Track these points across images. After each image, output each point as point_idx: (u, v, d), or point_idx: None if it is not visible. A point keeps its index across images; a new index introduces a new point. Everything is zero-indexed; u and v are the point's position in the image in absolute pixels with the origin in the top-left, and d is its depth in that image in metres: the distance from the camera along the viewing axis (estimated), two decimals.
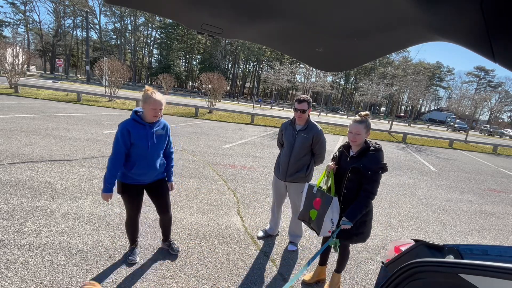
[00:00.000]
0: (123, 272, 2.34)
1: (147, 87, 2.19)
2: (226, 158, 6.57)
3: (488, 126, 44.36)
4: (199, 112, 15.19)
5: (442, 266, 0.95)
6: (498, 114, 62.82)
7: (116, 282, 2.21)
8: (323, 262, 2.58)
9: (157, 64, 62.90)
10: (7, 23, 48.35)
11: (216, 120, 13.92)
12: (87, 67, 35.89)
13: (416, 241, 1.59)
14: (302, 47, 0.95)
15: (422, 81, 30.13)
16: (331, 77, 55.03)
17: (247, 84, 73.81)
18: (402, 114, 65.56)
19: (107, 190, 2.16)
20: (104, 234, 2.84)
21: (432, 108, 78.63)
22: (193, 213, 3.56)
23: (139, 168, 2.22)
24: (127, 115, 13.63)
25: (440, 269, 0.95)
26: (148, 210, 3.44)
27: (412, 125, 41.61)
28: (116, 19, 56.29)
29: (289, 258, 2.91)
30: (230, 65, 64.88)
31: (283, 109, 37.26)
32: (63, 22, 52.58)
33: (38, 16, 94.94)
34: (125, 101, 16.25)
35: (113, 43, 59.24)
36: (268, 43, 0.97)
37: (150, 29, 61.02)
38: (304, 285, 2.56)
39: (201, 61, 62.11)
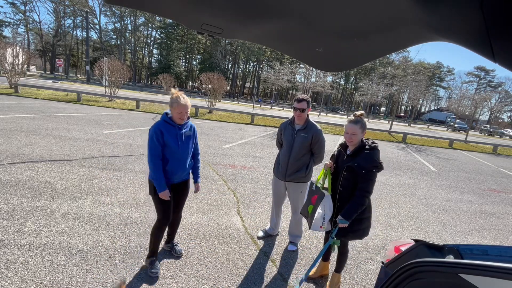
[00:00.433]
0: (123, 272, 2.34)
1: (173, 90, 2.23)
2: (226, 158, 6.57)
3: (488, 126, 44.36)
4: (199, 112, 15.20)
5: (442, 266, 0.95)
6: (498, 114, 62.81)
7: (115, 282, 2.21)
8: (326, 258, 2.63)
9: (157, 64, 62.90)
10: (7, 23, 48.37)
11: (216, 120, 13.93)
12: (87, 67, 35.89)
13: (416, 241, 1.59)
14: (302, 47, 0.95)
15: (422, 81, 30.16)
16: (331, 77, 55.05)
17: (247, 84, 73.83)
18: (402, 114, 65.59)
19: (161, 188, 2.19)
20: (104, 234, 2.84)
21: (432, 108, 78.66)
22: (193, 213, 3.56)
23: (170, 168, 2.27)
24: (127, 115, 13.53)
25: (440, 269, 0.95)
26: (148, 210, 3.44)
27: (412, 125, 41.60)
28: (116, 19, 56.31)
29: (289, 258, 2.91)
30: (230, 65, 64.89)
31: (283, 109, 37.25)
32: (63, 22, 52.60)
33: (38, 16, 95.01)
34: (125, 101, 16.26)
35: (113, 43, 59.26)
36: (268, 43, 0.97)
37: (150, 29, 61.06)
38: (307, 280, 2.58)
39: (201, 61, 62.12)
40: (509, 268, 0.77)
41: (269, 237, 3.25)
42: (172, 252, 2.66)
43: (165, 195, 2.21)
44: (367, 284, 2.65)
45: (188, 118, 2.32)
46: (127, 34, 58.15)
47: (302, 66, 50.72)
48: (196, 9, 0.72)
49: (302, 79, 48.72)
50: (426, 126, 43.71)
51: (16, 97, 12.49)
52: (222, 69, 53.99)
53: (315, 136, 2.75)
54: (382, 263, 1.63)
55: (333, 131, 15.66)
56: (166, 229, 2.60)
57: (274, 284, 2.48)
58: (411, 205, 5.03)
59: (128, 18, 56.54)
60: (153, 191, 2.26)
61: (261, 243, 3.11)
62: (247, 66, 68.56)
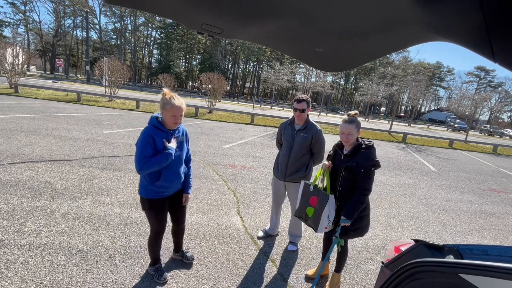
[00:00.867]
0: (123, 272, 2.34)
1: (165, 90, 1.98)
2: (226, 158, 6.57)
3: (488, 126, 44.34)
4: (199, 112, 15.19)
5: (442, 266, 0.95)
6: (498, 114, 62.82)
7: (116, 282, 2.21)
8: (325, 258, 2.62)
9: (157, 64, 62.88)
10: (7, 23, 48.38)
11: (216, 120, 13.92)
12: (87, 67, 35.89)
13: (416, 241, 1.59)
14: (302, 47, 0.95)
15: (422, 81, 30.17)
16: (331, 77, 55.04)
17: (247, 84, 73.83)
18: (402, 114, 65.56)
19: (170, 151, 1.97)
20: (104, 234, 2.84)
21: (432, 108, 78.66)
22: (193, 213, 3.56)
23: (165, 180, 2.05)
24: (127, 115, 13.45)
25: (440, 269, 0.95)
26: None
27: (412, 125, 41.60)
28: (116, 19, 56.31)
29: (289, 258, 2.91)
30: (230, 65, 64.89)
31: (283, 109, 37.25)
32: (63, 22, 52.60)
33: (38, 16, 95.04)
34: (125, 101, 16.25)
35: (113, 43, 59.25)
36: (268, 43, 0.97)
37: (150, 29, 61.04)
38: (307, 280, 2.58)
39: (201, 61, 62.12)
40: (509, 268, 0.77)
41: (269, 237, 3.25)
42: (184, 260, 2.55)
43: (173, 144, 2.01)
44: (367, 284, 2.65)
45: (181, 122, 2.08)
46: (127, 34, 58.14)
47: (302, 66, 50.72)
48: (196, 9, 0.72)
49: (302, 79, 48.72)
50: (426, 126, 43.70)
51: (16, 97, 12.49)
52: (222, 69, 53.99)
53: (315, 136, 2.75)
54: (382, 263, 1.63)
55: (333, 131, 15.66)
56: (172, 239, 2.54)
57: (274, 284, 2.48)
58: (411, 205, 5.03)
59: (128, 18, 56.55)
60: (147, 206, 2.11)
61: (261, 243, 3.11)
62: (247, 66, 68.56)
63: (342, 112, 52.65)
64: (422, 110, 78.40)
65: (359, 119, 2.23)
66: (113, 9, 52.82)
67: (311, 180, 2.52)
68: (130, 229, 2.99)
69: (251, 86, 72.69)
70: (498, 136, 39.12)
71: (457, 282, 0.88)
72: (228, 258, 2.74)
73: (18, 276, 2.13)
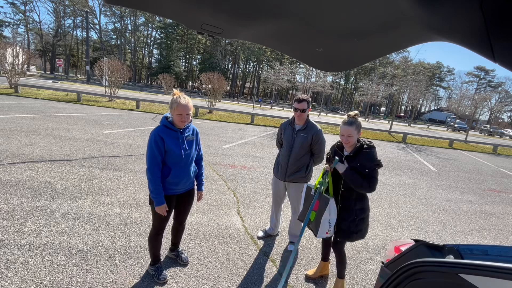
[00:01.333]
0: (123, 272, 2.34)
1: (175, 90, 2.04)
2: (226, 158, 6.57)
3: (488, 126, 44.35)
4: (199, 112, 15.19)
5: (442, 266, 0.95)
6: (498, 114, 62.84)
7: (116, 282, 2.21)
8: (325, 258, 2.62)
9: (157, 64, 62.88)
10: (7, 23, 48.38)
11: (216, 120, 13.92)
12: (87, 67, 35.88)
13: (416, 241, 1.59)
14: (302, 47, 0.95)
15: (422, 81, 30.17)
16: (331, 77, 55.05)
17: (247, 84, 73.83)
18: (402, 114, 65.57)
19: (159, 202, 2.02)
20: (104, 234, 2.84)
21: (432, 108, 78.64)
22: (193, 213, 3.56)
23: (174, 177, 2.09)
24: (127, 115, 13.44)
25: (440, 269, 0.95)
26: (148, 210, 3.44)
27: (412, 125, 41.60)
28: (116, 19, 56.32)
29: (289, 258, 2.91)
30: (230, 65, 64.89)
31: (283, 109, 37.25)
32: (63, 22, 52.60)
33: (38, 16, 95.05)
34: (125, 101, 16.25)
35: (113, 43, 59.25)
36: (268, 43, 0.97)
37: (150, 29, 61.06)
38: (307, 280, 2.57)
39: (201, 61, 62.10)
40: (509, 268, 0.77)
41: (269, 237, 3.25)
42: (178, 260, 2.57)
43: (162, 210, 2.04)
44: (367, 284, 2.65)
45: (190, 121, 2.15)
46: (127, 34, 58.15)
47: (302, 66, 50.75)
48: (196, 9, 0.72)
49: (302, 79, 48.73)
50: (426, 126, 43.71)
51: (16, 97, 12.49)
52: (222, 69, 53.95)
53: (315, 136, 2.75)
54: (382, 263, 1.63)
55: (333, 131, 15.65)
56: (169, 237, 2.56)
57: (274, 284, 2.48)
58: (411, 205, 5.03)
59: (128, 18, 56.55)
60: (153, 202, 2.13)
61: (261, 243, 3.11)
62: (247, 66, 68.57)
63: (342, 112, 52.65)
64: (422, 110, 78.41)
65: (360, 119, 2.21)
66: (113, 9, 52.82)
67: (312, 182, 2.50)
68: (130, 229, 2.99)
69: (251, 86, 72.71)
70: (498, 136, 39.13)
71: (457, 282, 0.88)
72: (228, 258, 2.74)
73: (18, 276, 2.13)
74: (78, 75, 58.61)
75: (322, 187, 2.25)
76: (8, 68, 14.88)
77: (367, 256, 3.14)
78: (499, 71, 68.90)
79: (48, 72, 52.44)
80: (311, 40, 0.85)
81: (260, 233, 3.25)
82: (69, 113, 10.00)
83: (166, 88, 30.11)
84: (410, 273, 1.00)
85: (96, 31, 57.02)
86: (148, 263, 2.41)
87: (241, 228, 3.37)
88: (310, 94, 44.33)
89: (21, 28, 51.37)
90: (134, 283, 2.23)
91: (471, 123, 35.30)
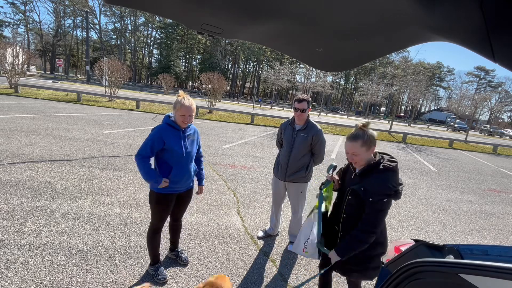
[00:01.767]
0: (123, 272, 2.34)
1: (180, 92, 2.10)
2: (226, 158, 6.57)
3: (488, 126, 44.35)
4: (199, 112, 15.19)
5: (442, 266, 0.95)
6: (498, 114, 62.84)
7: (116, 282, 2.21)
8: None
9: (157, 64, 62.88)
10: (7, 23, 48.36)
11: (216, 120, 13.92)
12: (87, 67, 35.88)
13: (416, 241, 1.59)
14: (302, 47, 0.95)
15: (422, 81, 30.18)
16: (331, 77, 55.07)
17: (247, 84, 73.83)
18: (402, 114, 65.57)
19: (158, 182, 2.04)
20: (104, 234, 2.84)
21: (432, 108, 78.64)
22: (193, 213, 3.56)
23: (175, 176, 2.13)
24: (127, 115, 13.45)
25: (440, 269, 0.95)
26: (148, 210, 3.44)
27: (412, 125, 41.60)
28: (116, 19, 56.31)
29: (289, 258, 2.91)
30: (230, 65, 64.88)
31: (283, 109, 37.25)
32: (63, 22, 52.59)
33: (38, 16, 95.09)
34: (125, 101, 16.25)
35: (113, 43, 59.26)
36: (268, 43, 0.97)
37: (150, 29, 61.05)
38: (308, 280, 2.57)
39: (201, 61, 62.11)
40: (509, 268, 0.77)
41: (269, 237, 3.25)
42: (178, 260, 2.56)
43: (165, 183, 2.07)
44: (367, 284, 2.65)
45: (191, 122, 2.18)
46: (127, 34, 58.14)
47: (302, 66, 50.75)
48: (196, 9, 0.72)
49: (302, 79, 48.74)
50: (426, 126, 43.70)
51: (16, 97, 12.49)
52: (222, 69, 53.95)
53: (315, 137, 2.75)
54: (382, 263, 1.63)
55: (333, 131, 15.66)
56: (169, 237, 2.58)
57: (274, 284, 2.48)
58: (411, 205, 5.03)
59: (128, 18, 56.54)
60: (154, 200, 2.16)
61: (261, 243, 3.11)
62: (247, 66, 68.57)
63: (342, 112, 52.65)
64: (422, 110, 78.41)
65: (371, 131, 1.62)
66: (113, 9, 52.82)
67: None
68: (130, 229, 2.99)
69: (251, 86, 72.71)
70: (498, 136, 39.12)
71: (457, 282, 0.88)
72: (228, 258, 2.74)
73: (18, 276, 2.13)
74: (78, 75, 58.61)
75: (319, 202, 1.84)
76: (8, 68, 14.88)
77: None
78: (499, 71, 68.94)
79: (48, 72, 52.45)
80: (311, 40, 0.85)
81: (260, 233, 3.25)
82: (69, 113, 10.00)
83: (166, 88, 30.12)
84: (410, 273, 1.00)
85: (96, 31, 57.04)
86: (148, 263, 2.40)
87: (241, 228, 3.37)
88: (310, 94, 44.34)
89: (21, 28, 51.43)
90: (134, 283, 2.23)
91: (471, 123, 35.31)
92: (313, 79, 45.50)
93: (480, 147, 17.45)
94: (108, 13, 55.69)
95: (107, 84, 16.90)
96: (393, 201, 1.63)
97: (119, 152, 5.80)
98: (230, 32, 0.85)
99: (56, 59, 45.72)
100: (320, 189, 1.86)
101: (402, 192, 1.60)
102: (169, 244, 2.65)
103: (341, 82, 73.05)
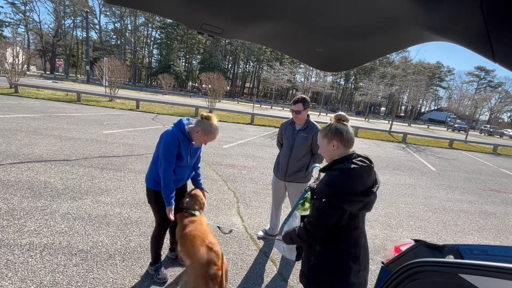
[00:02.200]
0: (123, 272, 2.34)
1: (211, 114, 2.17)
2: (226, 158, 6.57)
3: (488, 126, 44.37)
4: (199, 112, 15.17)
5: (442, 266, 0.95)
6: (498, 114, 62.86)
7: (116, 282, 2.22)
8: None
9: (157, 64, 62.85)
10: (7, 23, 48.36)
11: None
12: (87, 67, 35.88)
13: (416, 241, 1.59)
14: (302, 47, 0.95)
15: (422, 81, 30.20)
16: (331, 77, 55.05)
17: (247, 84, 73.81)
18: (402, 114, 65.56)
19: (170, 203, 2.05)
20: (104, 234, 2.84)
21: (432, 108, 78.61)
22: None
23: (176, 176, 2.19)
24: (127, 115, 13.40)
25: (440, 269, 0.95)
26: (148, 210, 3.44)
27: (412, 125, 41.60)
28: (116, 19, 56.30)
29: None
30: (230, 65, 64.88)
31: (283, 109, 37.23)
32: (63, 22, 52.57)
33: (38, 16, 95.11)
34: (125, 101, 16.25)
35: (113, 43, 59.25)
36: (268, 43, 0.97)
37: (150, 29, 61.03)
38: None
39: (201, 61, 62.09)
40: (509, 268, 0.77)
41: (269, 237, 3.25)
42: (179, 260, 2.54)
43: (169, 211, 2.04)
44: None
45: None
46: (127, 34, 58.12)
47: (302, 66, 50.72)
48: (196, 9, 0.72)
49: (302, 79, 48.73)
50: (426, 126, 43.70)
51: (16, 97, 12.49)
52: (222, 69, 53.93)
53: (316, 137, 2.75)
54: (382, 263, 1.63)
55: None
56: (168, 237, 2.56)
57: (274, 284, 2.48)
58: (411, 205, 5.03)
59: (128, 18, 56.53)
60: (153, 199, 2.16)
61: (261, 243, 3.11)
62: (247, 66, 68.57)
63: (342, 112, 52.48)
64: (422, 110, 78.40)
65: (342, 125, 1.46)
66: (113, 9, 52.80)
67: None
68: (130, 229, 2.99)
69: (251, 86, 72.69)
70: (498, 136, 39.13)
71: (457, 282, 0.88)
72: (228, 258, 2.74)
73: (18, 276, 2.13)
74: (78, 75, 58.56)
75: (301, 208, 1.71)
76: (8, 68, 14.88)
77: None
78: (499, 71, 68.88)
79: (48, 72, 52.43)
80: (311, 40, 0.85)
81: (260, 233, 3.25)
82: (69, 113, 10.00)
83: (166, 88, 30.12)
84: (410, 273, 1.00)
85: (96, 31, 57.03)
86: (148, 263, 2.40)
87: (241, 228, 3.37)
88: (310, 94, 44.40)
89: (21, 28, 51.42)
90: (134, 283, 2.23)
91: (471, 123, 35.31)
92: (313, 79, 45.51)
93: (480, 147, 17.45)
94: (108, 13, 55.70)
95: (107, 84, 16.90)
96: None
97: (119, 152, 5.80)
98: (230, 32, 0.85)
99: (56, 59, 45.75)
100: (305, 191, 1.71)
101: (368, 203, 1.34)
102: (169, 244, 2.65)
103: (341, 82, 73.03)
